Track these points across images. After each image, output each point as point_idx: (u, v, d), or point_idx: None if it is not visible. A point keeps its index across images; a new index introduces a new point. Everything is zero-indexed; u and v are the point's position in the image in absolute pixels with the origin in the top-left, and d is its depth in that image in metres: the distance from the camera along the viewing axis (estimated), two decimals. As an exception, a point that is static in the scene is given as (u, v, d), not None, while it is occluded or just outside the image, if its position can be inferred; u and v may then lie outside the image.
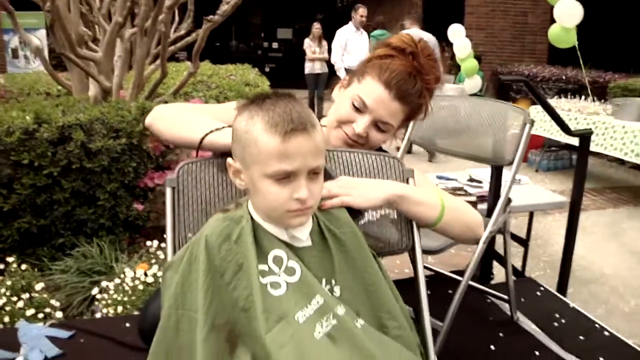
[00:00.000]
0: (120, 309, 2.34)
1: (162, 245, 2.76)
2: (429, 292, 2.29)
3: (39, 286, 2.46)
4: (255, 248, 1.01)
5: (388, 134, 1.39)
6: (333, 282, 1.06)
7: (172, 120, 1.30)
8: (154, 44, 3.68)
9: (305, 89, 8.71)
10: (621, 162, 6.14)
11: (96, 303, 2.49)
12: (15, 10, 3.01)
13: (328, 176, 1.20)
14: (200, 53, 3.37)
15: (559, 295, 2.51)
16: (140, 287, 2.42)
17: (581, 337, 2.12)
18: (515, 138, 1.96)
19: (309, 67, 8.69)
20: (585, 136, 2.55)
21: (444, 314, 1.84)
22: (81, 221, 2.86)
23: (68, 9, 3.45)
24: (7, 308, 2.31)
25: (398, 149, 2.13)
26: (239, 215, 1.05)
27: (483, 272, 2.81)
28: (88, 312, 2.54)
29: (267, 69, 12.26)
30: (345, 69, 7.26)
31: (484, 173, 2.94)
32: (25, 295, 2.38)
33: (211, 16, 3.13)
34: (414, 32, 6.02)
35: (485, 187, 2.78)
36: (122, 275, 2.50)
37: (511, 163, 1.94)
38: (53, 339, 1.99)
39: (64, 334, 2.03)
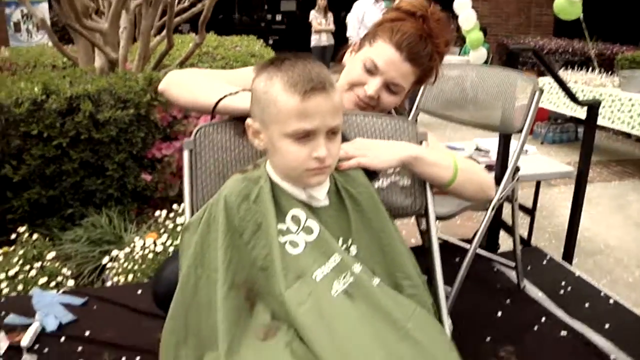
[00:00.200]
0: (130, 277, 2.38)
1: (170, 215, 2.79)
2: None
3: (50, 255, 2.50)
4: (274, 207, 1.02)
5: (399, 95, 1.40)
6: (350, 241, 1.09)
7: (186, 85, 1.30)
8: (159, 16, 3.66)
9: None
10: (627, 135, 6.12)
11: (107, 272, 2.52)
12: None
13: (343, 138, 1.21)
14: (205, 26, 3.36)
15: (564, 264, 2.53)
16: (150, 256, 2.45)
17: (586, 305, 2.15)
18: (524, 107, 1.96)
19: (315, 40, 8.60)
20: (593, 106, 2.55)
21: (452, 281, 1.86)
22: (90, 192, 2.88)
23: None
24: (20, 277, 2.35)
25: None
26: (257, 175, 1.06)
27: (489, 240, 2.83)
28: (99, 281, 2.57)
29: (270, 42, 12.15)
30: None
31: (490, 143, 2.94)
32: (37, 264, 2.42)
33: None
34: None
35: (493, 156, 2.78)
36: (131, 245, 2.53)
37: (520, 131, 1.94)
38: (67, 306, 2.02)
39: (77, 300, 2.06)
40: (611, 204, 4.26)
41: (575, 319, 2.04)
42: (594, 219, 3.90)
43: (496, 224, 2.84)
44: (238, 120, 1.19)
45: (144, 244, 2.53)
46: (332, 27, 8.55)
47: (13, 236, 2.60)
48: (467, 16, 6.40)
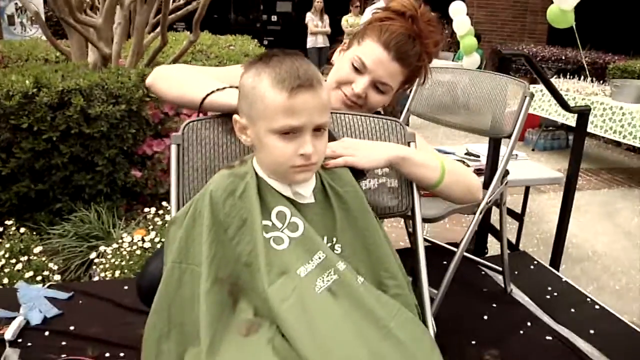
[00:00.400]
0: (117, 273, 2.37)
1: (160, 212, 2.78)
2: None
3: (37, 249, 2.49)
4: (260, 203, 1.03)
5: (387, 95, 1.41)
6: (334, 239, 1.09)
7: (174, 80, 1.30)
8: (154, 13, 3.65)
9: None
10: (617, 143, 6.16)
11: (94, 267, 2.52)
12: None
13: (331, 137, 1.22)
14: (200, 25, 3.35)
15: (551, 269, 2.54)
16: (138, 252, 2.45)
17: (572, 310, 2.15)
18: (515, 112, 1.97)
19: (311, 41, 8.62)
20: (583, 113, 2.56)
21: (439, 284, 1.86)
22: (79, 186, 2.87)
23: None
24: (6, 270, 2.33)
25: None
26: (243, 171, 1.06)
27: (477, 245, 2.84)
28: (86, 276, 2.56)
29: (265, 42, 12.15)
30: None
31: (481, 148, 2.95)
32: (24, 258, 2.41)
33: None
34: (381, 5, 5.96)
35: (483, 160, 2.80)
36: (119, 241, 2.53)
37: (509, 136, 1.95)
38: (52, 300, 2.01)
39: (62, 295, 2.05)
40: (600, 212, 4.29)
41: (561, 324, 2.05)
42: (583, 226, 3.92)
43: (484, 228, 2.85)
44: (226, 116, 1.19)
45: (132, 240, 2.52)
46: (328, 29, 8.57)
47: (0, 229, 2.58)
48: (461, 21, 6.43)
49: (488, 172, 2.60)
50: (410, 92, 2.19)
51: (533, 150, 6.02)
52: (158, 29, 3.41)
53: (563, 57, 7.40)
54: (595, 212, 4.26)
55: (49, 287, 2.12)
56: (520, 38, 10.09)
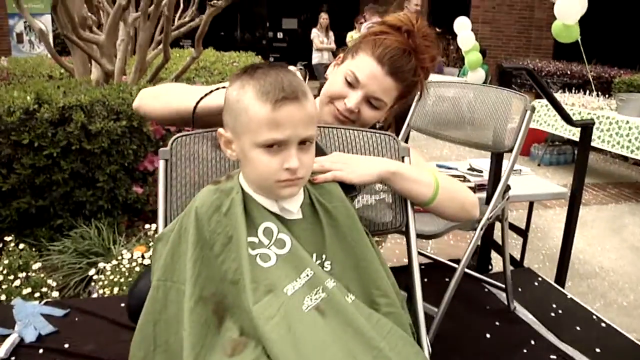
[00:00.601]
0: (116, 290, 2.35)
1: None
2: (426, 280, 2.30)
3: (36, 266, 2.47)
4: (245, 220, 1.00)
5: (381, 111, 1.37)
6: (324, 256, 1.05)
7: (162, 96, 1.29)
8: (158, 30, 3.68)
9: (311, 80, 8.68)
10: (624, 158, 6.11)
11: (93, 284, 2.50)
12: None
13: (321, 152, 1.19)
14: (205, 42, 3.37)
15: (556, 286, 2.49)
16: (137, 269, 2.42)
17: (578, 328, 2.11)
18: (516, 125, 1.94)
19: (317, 57, 8.66)
20: (587, 126, 2.53)
21: (440, 301, 1.83)
22: (80, 203, 2.86)
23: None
24: (4, 286, 2.32)
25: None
26: (229, 186, 1.04)
27: (481, 261, 2.80)
28: (85, 293, 2.54)
29: (271, 59, 12.24)
30: None
31: (484, 163, 2.92)
32: (22, 275, 2.39)
33: (215, 1, 3.12)
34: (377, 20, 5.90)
35: (486, 176, 2.76)
36: (119, 257, 2.51)
37: (511, 150, 1.93)
38: (48, 317, 1.98)
39: (58, 312, 2.03)
40: (607, 227, 4.23)
41: (566, 342, 2.00)
42: (590, 241, 3.87)
43: (487, 245, 2.81)
44: (216, 131, 1.17)
45: (132, 257, 2.50)
46: (333, 45, 8.60)
47: (-1, 245, 2.58)
48: (465, 37, 6.44)
49: (490, 187, 2.57)
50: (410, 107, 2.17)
51: (539, 165, 5.98)
52: (161, 46, 3.42)
53: (568, 72, 7.37)
54: (602, 228, 4.21)
55: (45, 303, 2.10)
56: (525, 53, 10.08)
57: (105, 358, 1.75)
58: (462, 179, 2.70)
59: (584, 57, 5.40)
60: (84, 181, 2.84)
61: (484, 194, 2.59)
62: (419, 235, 1.84)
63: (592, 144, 4.80)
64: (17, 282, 2.33)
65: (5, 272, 2.38)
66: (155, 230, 2.72)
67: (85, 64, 3.69)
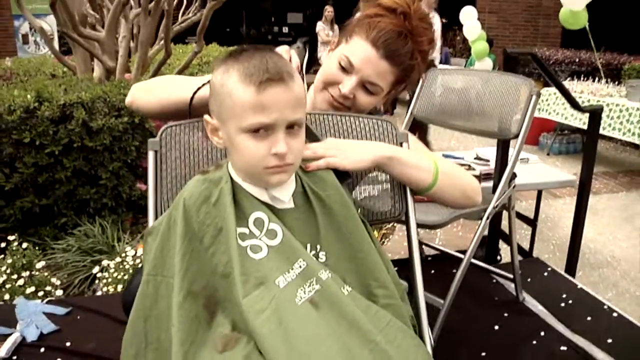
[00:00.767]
0: (120, 287, 2.33)
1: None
2: (433, 272, 2.27)
3: (39, 265, 2.46)
4: (235, 210, 0.96)
5: (377, 96, 1.31)
6: (318, 246, 1.01)
7: (153, 90, 1.25)
8: (161, 27, 3.65)
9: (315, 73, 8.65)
10: (635, 145, 6.01)
11: (97, 282, 2.48)
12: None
13: (314, 138, 1.15)
14: (211, 38, 3.34)
15: (566, 275, 2.45)
16: (141, 266, 2.40)
17: (589, 318, 2.07)
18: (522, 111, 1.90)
19: (323, 51, 8.62)
20: (595, 112, 2.47)
21: (447, 292, 1.79)
22: (84, 200, 2.84)
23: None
24: (8, 286, 2.31)
25: None
26: (218, 176, 1.00)
27: (489, 252, 2.75)
28: (89, 291, 2.53)
29: (277, 55, 12.21)
30: None
31: (490, 152, 2.87)
32: (26, 274, 2.38)
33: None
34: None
35: (492, 165, 2.72)
36: (123, 254, 2.49)
37: (517, 136, 1.88)
38: (50, 316, 1.98)
39: (61, 310, 2.02)
40: (618, 216, 4.17)
41: (576, 333, 1.96)
42: (600, 230, 3.81)
43: (495, 235, 2.76)
44: None
45: (135, 254, 2.48)
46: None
47: (3, 245, 2.56)
48: (471, 26, 6.36)
49: (497, 176, 2.52)
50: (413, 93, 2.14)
51: (548, 154, 5.90)
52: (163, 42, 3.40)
53: (577, 60, 7.28)
54: (613, 216, 4.14)
55: (47, 302, 2.09)
56: (533, 42, 9.96)
57: (107, 356, 1.73)
58: (467, 167, 2.65)
59: (592, 44, 5.32)
60: (87, 179, 2.83)
61: (490, 183, 2.55)
62: (424, 226, 1.80)
63: (602, 132, 4.73)
64: (21, 282, 2.32)
65: (9, 271, 2.37)
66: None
67: (87, 61, 3.67)
